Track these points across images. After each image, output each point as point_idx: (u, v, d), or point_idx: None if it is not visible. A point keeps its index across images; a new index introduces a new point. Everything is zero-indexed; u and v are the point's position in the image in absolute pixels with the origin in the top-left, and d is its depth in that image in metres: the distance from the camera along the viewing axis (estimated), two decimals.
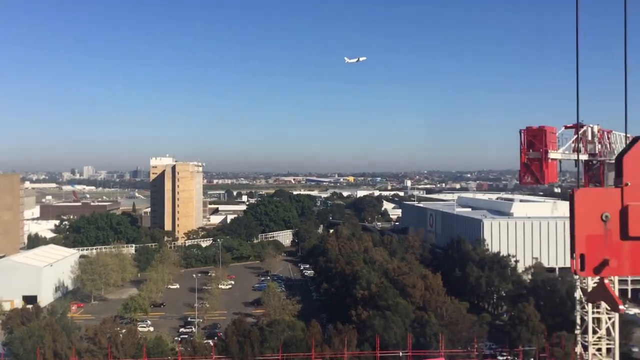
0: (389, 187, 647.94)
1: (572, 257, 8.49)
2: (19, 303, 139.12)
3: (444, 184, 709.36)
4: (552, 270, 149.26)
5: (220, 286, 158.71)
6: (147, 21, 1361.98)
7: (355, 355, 65.02)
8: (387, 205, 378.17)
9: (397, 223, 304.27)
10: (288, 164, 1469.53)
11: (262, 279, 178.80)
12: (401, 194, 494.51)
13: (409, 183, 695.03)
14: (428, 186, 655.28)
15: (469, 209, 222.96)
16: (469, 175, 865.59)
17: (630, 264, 8.33)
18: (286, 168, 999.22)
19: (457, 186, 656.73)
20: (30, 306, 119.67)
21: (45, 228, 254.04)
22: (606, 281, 8.74)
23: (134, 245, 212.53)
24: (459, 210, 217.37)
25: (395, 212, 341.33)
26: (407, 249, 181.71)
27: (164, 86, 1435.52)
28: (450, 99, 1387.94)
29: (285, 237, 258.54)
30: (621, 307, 8.51)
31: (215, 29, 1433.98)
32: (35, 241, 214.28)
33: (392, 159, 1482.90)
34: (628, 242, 8.19)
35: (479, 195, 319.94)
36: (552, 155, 41.61)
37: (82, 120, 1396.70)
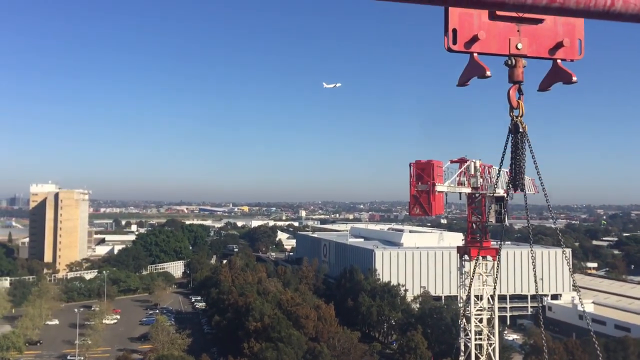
0: (284, 217, 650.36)
1: (445, 34, 9.29)
2: None
3: (337, 215, 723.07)
4: (438, 298, 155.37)
5: (104, 321, 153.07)
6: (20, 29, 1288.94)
7: None
8: (282, 236, 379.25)
9: (291, 253, 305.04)
10: (181, 192, 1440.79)
11: (151, 312, 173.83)
12: (296, 224, 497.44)
13: (303, 213, 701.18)
14: (322, 216, 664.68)
15: (362, 239, 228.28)
16: (361, 206, 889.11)
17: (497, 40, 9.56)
18: (179, 197, 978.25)
19: (351, 217, 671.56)
20: None
21: None
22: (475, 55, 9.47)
23: (8, 278, 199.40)
24: (352, 240, 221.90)
25: (289, 242, 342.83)
26: (301, 279, 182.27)
27: (45, 105, 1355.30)
28: (343, 129, 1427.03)
29: (176, 268, 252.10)
30: (488, 72, 9.35)
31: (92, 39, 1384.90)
32: None
33: (287, 189, 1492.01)
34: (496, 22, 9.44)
35: (371, 226, 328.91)
36: (439, 188, 43.58)
37: None
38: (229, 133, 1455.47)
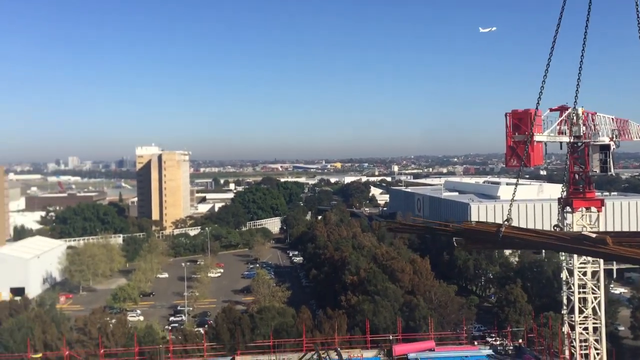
0: (377, 173, 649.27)
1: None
2: (6, 295, 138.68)
3: (431, 169, 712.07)
4: (538, 252, 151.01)
5: (209, 274, 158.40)
6: (131, 10, 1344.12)
7: (346, 339, 65.57)
8: (375, 191, 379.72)
9: (384, 208, 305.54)
10: (275, 151, 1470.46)
11: (251, 266, 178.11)
12: (388, 179, 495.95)
13: (396, 168, 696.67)
14: (415, 171, 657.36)
15: (456, 193, 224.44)
16: (455, 159, 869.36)
17: None
18: (273, 155, 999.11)
19: (444, 170, 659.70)
20: (18, 298, 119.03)
21: (31, 220, 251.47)
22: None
23: (121, 235, 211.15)
24: (446, 194, 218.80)
25: (382, 198, 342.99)
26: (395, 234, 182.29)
27: (149, 74, 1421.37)
28: (437, 83, 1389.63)
29: (273, 225, 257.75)
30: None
31: (200, 18, 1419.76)
32: (21, 233, 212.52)
33: (379, 144, 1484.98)
34: None
35: (466, 179, 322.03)
36: (538, 137, 41.91)
37: (66, 109, 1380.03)
38: (321, 90, 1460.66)
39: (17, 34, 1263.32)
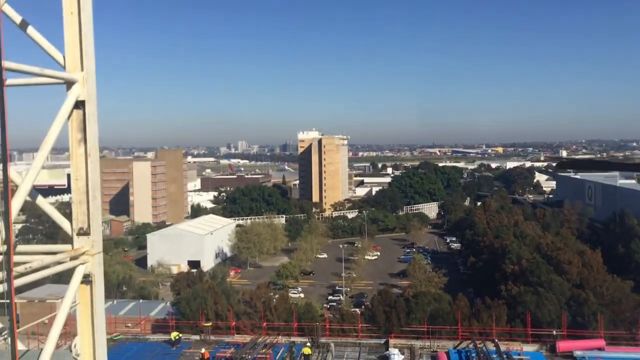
0: (542, 158, 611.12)
1: None
2: (184, 267, 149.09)
3: (604, 154, 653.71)
4: None
5: (366, 257, 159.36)
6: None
7: (506, 331, 62.92)
8: (540, 177, 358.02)
9: (550, 196, 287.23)
10: (433, 135, 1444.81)
11: (407, 250, 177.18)
12: (555, 164, 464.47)
13: (564, 153, 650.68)
14: (587, 156, 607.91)
15: (634, 181, 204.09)
16: (634, 143, 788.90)
17: None
18: (431, 139, 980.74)
19: (620, 156, 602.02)
20: (194, 270, 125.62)
21: (206, 199, 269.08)
22: None
23: (284, 216, 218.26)
24: (622, 182, 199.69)
25: (548, 184, 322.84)
26: (562, 223, 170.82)
27: (312, 62, 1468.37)
28: (610, 58, 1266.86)
29: (430, 210, 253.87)
30: None
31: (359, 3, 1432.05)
32: (197, 211, 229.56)
33: (545, 127, 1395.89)
34: None
35: None
36: None
37: (235, 96, 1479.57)
38: (481, 72, 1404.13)
39: (191, 20, 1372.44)
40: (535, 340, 53.25)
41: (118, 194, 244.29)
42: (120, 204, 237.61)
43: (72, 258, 9.77)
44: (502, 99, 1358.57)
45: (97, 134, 10.12)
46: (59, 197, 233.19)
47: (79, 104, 9.89)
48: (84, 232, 9.97)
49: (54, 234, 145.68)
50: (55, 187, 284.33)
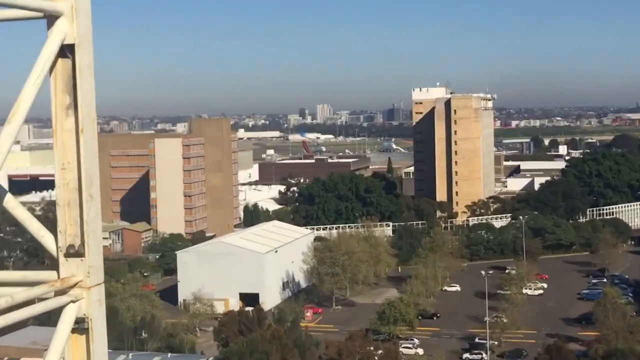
0: None
1: None
2: (235, 303, 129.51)
3: None
4: None
5: (524, 290, 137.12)
6: None
7: None
8: None
9: None
10: (637, 93, 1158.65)
11: (595, 281, 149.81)
12: None
13: None
14: None
15: None
16: None
17: None
18: (634, 100, 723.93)
19: None
20: (250, 309, 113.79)
21: (267, 197, 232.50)
22: None
23: (390, 223, 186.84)
24: None
25: None
26: None
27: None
28: None
29: (631, 215, 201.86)
30: None
31: None
32: (254, 215, 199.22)
33: None
34: None
35: None
36: None
37: (311, 48, 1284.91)
38: None
39: None
40: None
41: (133, 189, 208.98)
42: (136, 204, 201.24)
43: (58, 293, 7.02)
44: None
45: (94, 96, 6.89)
46: (45, 194, 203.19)
47: (66, 50, 6.83)
48: (75, 253, 7.04)
49: (41, 250, 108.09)
50: (41, 177, 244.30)
